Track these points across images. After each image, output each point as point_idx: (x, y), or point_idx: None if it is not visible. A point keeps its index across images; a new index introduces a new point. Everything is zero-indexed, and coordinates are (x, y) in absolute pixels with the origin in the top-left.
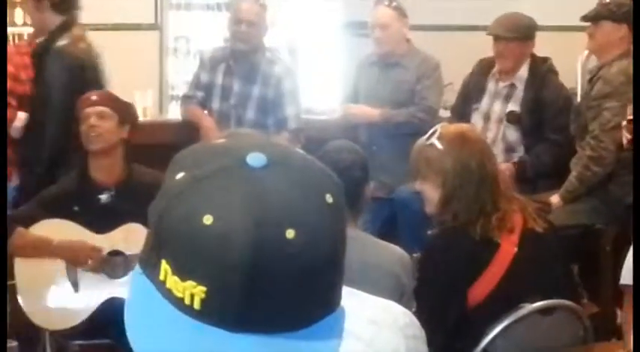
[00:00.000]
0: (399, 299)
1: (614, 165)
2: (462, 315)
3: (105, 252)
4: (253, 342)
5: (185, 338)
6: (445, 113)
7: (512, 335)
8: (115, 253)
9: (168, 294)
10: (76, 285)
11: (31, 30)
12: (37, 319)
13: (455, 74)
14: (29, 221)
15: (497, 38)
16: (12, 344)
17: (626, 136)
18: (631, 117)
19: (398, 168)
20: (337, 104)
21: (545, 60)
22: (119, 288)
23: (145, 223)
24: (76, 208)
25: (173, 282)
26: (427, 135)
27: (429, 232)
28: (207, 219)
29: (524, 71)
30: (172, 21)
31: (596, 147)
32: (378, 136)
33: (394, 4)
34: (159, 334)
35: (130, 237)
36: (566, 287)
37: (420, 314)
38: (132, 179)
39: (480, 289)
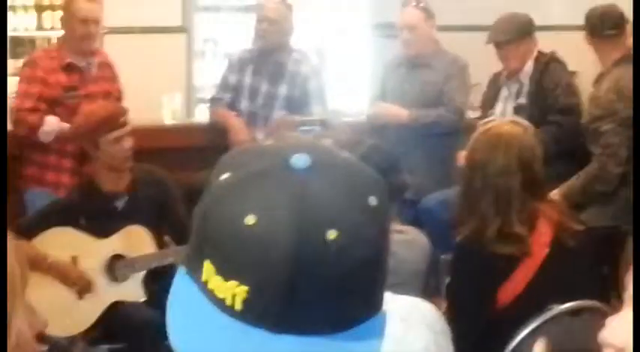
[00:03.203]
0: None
1: (620, 181)
2: (491, 316)
3: (108, 256)
4: (293, 343)
5: (226, 338)
6: (473, 114)
7: (541, 336)
8: (117, 257)
9: (210, 295)
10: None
11: (60, 33)
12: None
13: (483, 74)
14: (36, 232)
15: (496, 44)
16: (43, 348)
17: None
18: None
19: (425, 168)
20: (365, 106)
21: (548, 53)
22: (124, 292)
23: (153, 221)
24: (82, 221)
25: (216, 283)
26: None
27: (458, 237)
28: (250, 219)
29: (529, 66)
30: (200, 24)
31: (599, 170)
32: (406, 137)
33: (422, 4)
34: (200, 334)
35: (131, 240)
36: (595, 289)
37: (450, 314)
38: (139, 182)
39: (510, 290)
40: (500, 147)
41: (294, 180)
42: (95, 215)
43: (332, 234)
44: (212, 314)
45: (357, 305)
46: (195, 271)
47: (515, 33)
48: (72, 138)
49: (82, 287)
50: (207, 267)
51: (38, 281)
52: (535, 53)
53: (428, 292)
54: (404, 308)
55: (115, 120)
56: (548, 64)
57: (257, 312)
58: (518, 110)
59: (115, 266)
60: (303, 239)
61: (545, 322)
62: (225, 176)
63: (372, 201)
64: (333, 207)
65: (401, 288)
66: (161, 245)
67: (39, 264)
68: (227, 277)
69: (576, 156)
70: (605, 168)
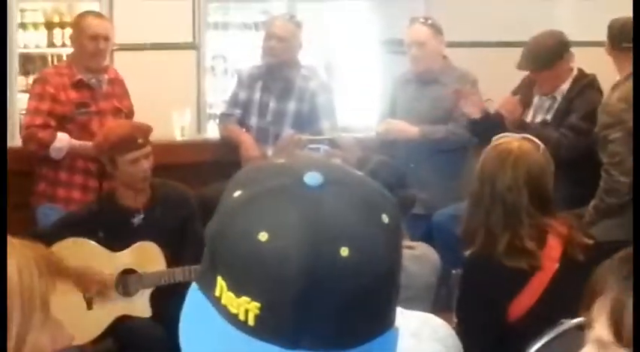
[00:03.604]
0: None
1: (630, 192)
2: (502, 330)
3: (118, 270)
4: None
5: None
6: None
7: (553, 350)
8: (129, 271)
9: (223, 310)
10: (90, 302)
11: (70, 50)
12: None
13: (493, 90)
14: (54, 240)
15: (530, 71)
16: None
17: None
18: None
19: (436, 184)
20: (374, 122)
21: (589, 76)
22: (132, 306)
23: (169, 238)
24: (101, 234)
25: (228, 298)
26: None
27: (468, 251)
28: (263, 236)
29: (566, 85)
30: (210, 40)
31: (607, 180)
32: (416, 153)
33: (430, 21)
34: (213, 349)
35: (143, 255)
36: None
37: (460, 329)
38: (157, 198)
39: (520, 304)
40: (509, 162)
41: (307, 197)
42: (111, 229)
43: (344, 251)
44: (225, 329)
45: (370, 321)
46: (208, 286)
47: (547, 60)
48: (91, 155)
49: (100, 292)
50: (220, 283)
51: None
52: (575, 71)
53: (439, 307)
54: (415, 323)
55: (133, 139)
56: (585, 87)
57: (270, 328)
58: (543, 125)
59: (126, 281)
60: (316, 255)
61: (556, 337)
62: (238, 193)
63: (385, 218)
64: (345, 223)
65: (411, 303)
66: (174, 262)
67: (60, 271)
68: (239, 293)
69: (572, 172)
70: (611, 178)
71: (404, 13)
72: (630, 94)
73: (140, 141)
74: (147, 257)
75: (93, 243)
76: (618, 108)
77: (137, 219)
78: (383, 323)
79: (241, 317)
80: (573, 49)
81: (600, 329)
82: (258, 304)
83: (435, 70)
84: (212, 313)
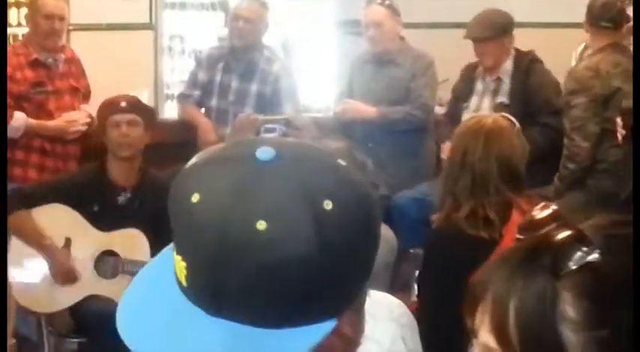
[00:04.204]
0: None
1: (590, 159)
2: (461, 303)
3: (99, 250)
4: (224, 328)
5: (172, 312)
6: (440, 110)
7: None
8: (110, 253)
9: (174, 268)
10: None
11: (25, 30)
12: (21, 297)
13: (450, 71)
14: (37, 202)
15: (475, 40)
16: (11, 341)
17: (620, 132)
18: (625, 114)
19: (395, 165)
20: (332, 102)
21: (529, 52)
22: (105, 287)
23: (151, 225)
24: (95, 208)
25: (175, 256)
26: None
27: (431, 226)
28: (195, 197)
29: (508, 64)
30: (167, 20)
31: (568, 145)
32: (374, 134)
33: (387, 2)
34: (151, 304)
35: (129, 242)
36: None
37: (421, 307)
38: (145, 182)
39: None
40: (482, 133)
41: (249, 168)
42: (98, 202)
43: (261, 224)
44: (172, 286)
45: (291, 304)
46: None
47: (495, 30)
48: (47, 135)
49: (65, 280)
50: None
51: (28, 254)
52: (513, 51)
53: (397, 287)
54: (370, 303)
55: (116, 102)
56: (531, 63)
57: (195, 291)
58: (498, 109)
59: (105, 262)
60: (233, 223)
61: None
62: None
63: (327, 204)
64: (272, 199)
65: (369, 282)
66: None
67: (35, 242)
68: (177, 253)
69: (547, 161)
70: (572, 142)
71: None
72: (598, 65)
73: (123, 104)
74: (132, 244)
75: (78, 214)
76: (585, 75)
77: (123, 198)
78: (306, 312)
79: (179, 276)
80: (520, 31)
81: (485, 336)
82: (185, 264)
83: (392, 51)
84: (171, 269)
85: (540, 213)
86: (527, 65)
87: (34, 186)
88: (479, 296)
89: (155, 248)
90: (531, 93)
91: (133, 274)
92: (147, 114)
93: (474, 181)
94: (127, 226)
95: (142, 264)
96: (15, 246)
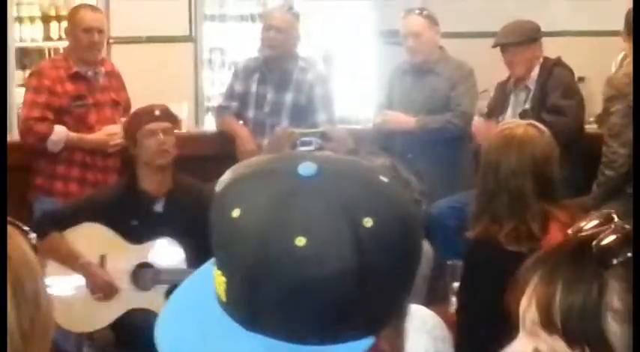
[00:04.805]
0: None
1: (628, 166)
2: (502, 317)
3: (135, 263)
4: (260, 343)
5: (209, 326)
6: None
7: None
8: (145, 265)
9: (215, 284)
10: None
11: (65, 44)
12: (59, 319)
13: (489, 81)
14: (69, 223)
15: (503, 47)
16: None
17: None
18: None
19: (433, 175)
20: (371, 113)
21: (555, 58)
22: (144, 300)
23: (186, 234)
24: (134, 222)
25: (215, 271)
26: None
27: (468, 235)
28: (236, 212)
29: (535, 73)
30: (207, 33)
31: (606, 152)
32: (413, 144)
33: (425, 12)
34: (188, 318)
35: (162, 251)
36: None
37: (461, 314)
38: (178, 190)
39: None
40: (513, 146)
41: (289, 184)
42: (132, 215)
43: (301, 241)
44: (210, 301)
45: (329, 320)
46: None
47: (521, 37)
48: (88, 148)
49: (106, 295)
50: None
51: (64, 274)
52: (541, 59)
53: (434, 299)
54: None
55: (150, 111)
56: (552, 68)
57: (233, 305)
58: (523, 116)
59: (141, 274)
60: (272, 238)
61: None
62: (237, 173)
63: (367, 222)
64: (312, 215)
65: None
66: (193, 260)
67: (70, 262)
68: (218, 267)
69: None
70: (609, 149)
71: (400, 4)
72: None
73: (157, 113)
74: (166, 253)
75: (110, 231)
76: (622, 82)
77: (158, 206)
78: (345, 329)
79: (218, 290)
80: (550, 40)
81: (530, 318)
82: (224, 279)
83: (431, 61)
84: (211, 284)
85: (589, 223)
86: (550, 69)
87: (64, 208)
88: (526, 281)
89: (192, 254)
90: (547, 94)
91: (170, 283)
92: (177, 122)
93: (511, 197)
94: (164, 234)
95: (178, 272)
96: (51, 268)
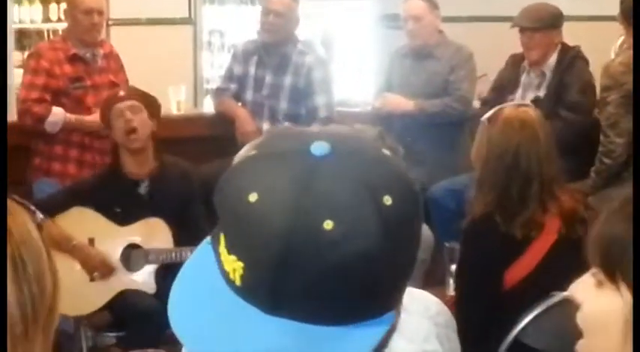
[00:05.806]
0: None
1: (626, 154)
2: (497, 299)
3: (124, 244)
4: (283, 326)
5: (222, 310)
6: (478, 104)
7: (543, 322)
8: (134, 246)
9: (221, 266)
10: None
11: (64, 25)
12: None
13: (489, 65)
14: (58, 210)
15: (522, 29)
16: None
17: None
18: None
19: (433, 158)
20: (370, 96)
21: (575, 47)
22: (134, 281)
23: (173, 212)
24: (118, 209)
25: (224, 255)
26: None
27: (468, 218)
28: (253, 197)
29: (553, 59)
30: (206, 15)
31: (604, 141)
32: (412, 127)
33: None
34: (201, 301)
35: (150, 231)
36: None
37: (457, 296)
38: (163, 169)
39: (516, 273)
40: (514, 129)
41: (306, 165)
42: (118, 198)
43: (328, 224)
44: (219, 284)
45: (352, 302)
46: (215, 241)
47: (544, 22)
48: (86, 129)
49: (103, 273)
50: (222, 239)
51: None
52: (559, 46)
53: (432, 282)
54: (406, 299)
55: (116, 92)
56: (574, 60)
57: (252, 290)
58: (535, 102)
59: (130, 255)
60: (299, 223)
61: (549, 308)
62: (247, 153)
63: (387, 200)
64: (336, 198)
65: None
66: (181, 240)
67: (63, 245)
68: (230, 251)
69: (582, 155)
70: (607, 139)
71: None
72: (630, 60)
73: (121, 93)
74: (154, 233)
75: (98, 214)
76: (618, 71)
77: (143, 187)
78: (373, 306)
79: (231, 275)
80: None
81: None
82: (242, 264)
83: (430, 45)
84: (214, 267)
85: None
86: (570, 61)
87: (55, 194)
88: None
89: (178, 234)
90: (563, 88)
91: (159, 263)
92: (147, 100)
93: (513, 179)
94: (148, 216)
95: (166, 251)
96: None
